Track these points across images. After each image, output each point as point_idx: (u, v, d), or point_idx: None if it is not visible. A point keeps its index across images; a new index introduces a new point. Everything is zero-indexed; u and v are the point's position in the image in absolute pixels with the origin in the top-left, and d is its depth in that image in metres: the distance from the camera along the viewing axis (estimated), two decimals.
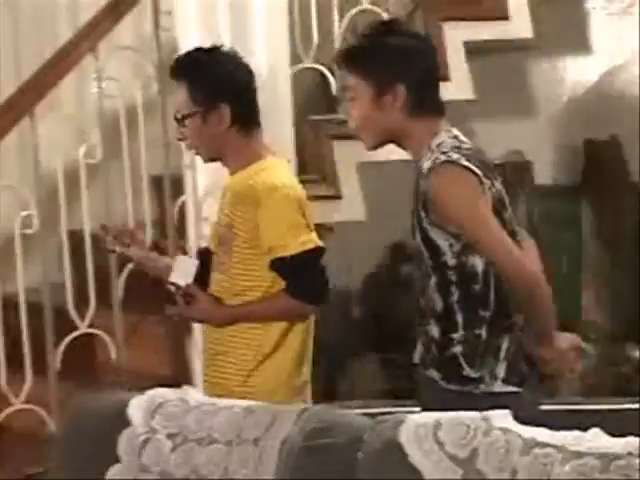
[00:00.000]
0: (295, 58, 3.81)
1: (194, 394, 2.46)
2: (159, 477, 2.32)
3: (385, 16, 3.80)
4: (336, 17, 3.89)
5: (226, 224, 2.95)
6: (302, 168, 3.66)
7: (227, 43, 3.16)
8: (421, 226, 2.58)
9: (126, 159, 3.78)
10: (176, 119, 2.95)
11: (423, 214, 2.56)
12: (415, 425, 2.14)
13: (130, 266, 3.61)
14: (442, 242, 2.55)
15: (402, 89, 2.59)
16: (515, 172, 4.86)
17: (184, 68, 2.94)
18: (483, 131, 4.23)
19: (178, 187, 3.72)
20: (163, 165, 3.77)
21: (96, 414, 2.49)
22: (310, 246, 2.87)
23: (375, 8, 3.88)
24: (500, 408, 2.15)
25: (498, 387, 2.54)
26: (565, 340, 2.62)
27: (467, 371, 2.54)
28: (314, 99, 4.33)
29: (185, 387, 2.51)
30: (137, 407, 2.41)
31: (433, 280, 2.60)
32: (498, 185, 2.59)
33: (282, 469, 2.22)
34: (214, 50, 2.96)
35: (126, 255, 3.13)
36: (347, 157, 3.92)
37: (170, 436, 2.34)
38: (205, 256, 3.05)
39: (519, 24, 4.09)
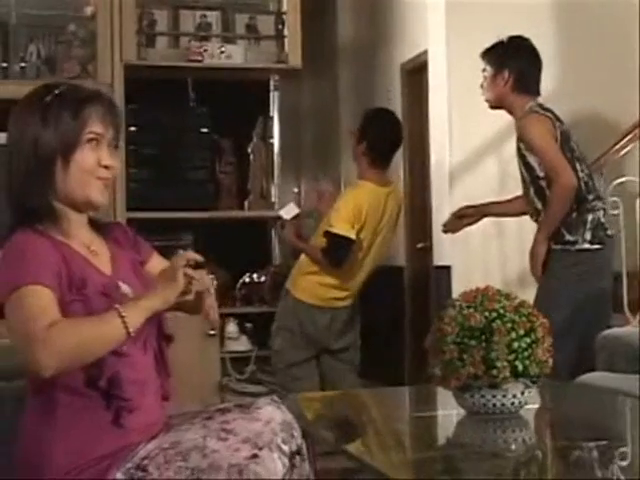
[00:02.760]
0: None
1: None
2: None
3: None
4: None
5: None
6: None
7: None
8: (521, 154, 4.10)
9: None
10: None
11: (522, 147, 4.08)
12: None
13: None
14: (534, 163, 4.07)
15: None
16: None
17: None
18: None
19: None
20: None
21: None
22: (342, 233, 4.70)
23: None
24: (587, 259, 3.99)
25: (586, 245, 4.04)
26: None
27: (567, 236, 4.06)
28: None
29: None
30: None
31: (532, 189, 4.11)
32: (564, 126, 4.10)
33: None
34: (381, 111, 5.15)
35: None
36: None
37: None
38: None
39: None
